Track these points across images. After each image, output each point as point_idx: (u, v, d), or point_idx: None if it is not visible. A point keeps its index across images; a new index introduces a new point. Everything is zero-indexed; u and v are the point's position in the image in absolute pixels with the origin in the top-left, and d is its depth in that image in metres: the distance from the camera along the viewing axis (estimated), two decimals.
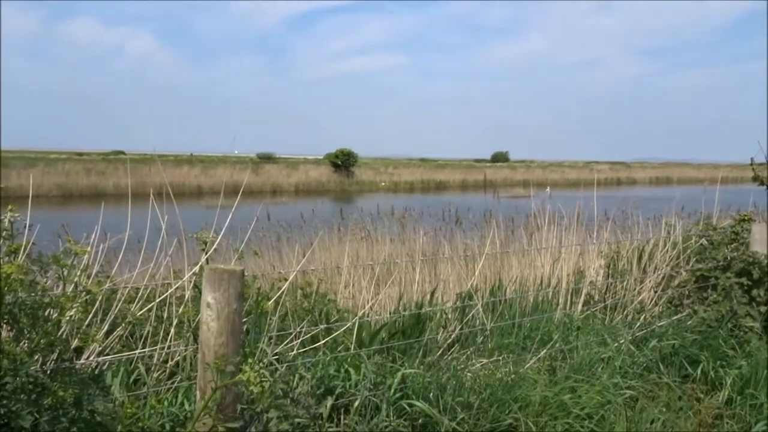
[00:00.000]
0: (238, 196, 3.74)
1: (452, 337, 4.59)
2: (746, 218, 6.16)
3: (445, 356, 4.13)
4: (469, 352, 4.23)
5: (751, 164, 6.09)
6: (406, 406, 2.91)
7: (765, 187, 6.22)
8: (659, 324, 4.38)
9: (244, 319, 3.51)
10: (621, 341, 4.20)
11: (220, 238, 3.49)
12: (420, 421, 2.91)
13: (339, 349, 3.59)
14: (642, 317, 5.08)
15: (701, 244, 5.51)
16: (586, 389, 3.36)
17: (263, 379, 1.76)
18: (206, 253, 3.29)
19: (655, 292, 5.59)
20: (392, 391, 2.83)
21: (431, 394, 2.97)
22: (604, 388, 3.45)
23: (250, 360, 1.93)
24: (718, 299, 4.59)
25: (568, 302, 5.46)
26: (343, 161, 46.68)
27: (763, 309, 4.45)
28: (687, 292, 4.98)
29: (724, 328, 4.13)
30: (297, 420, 2.36)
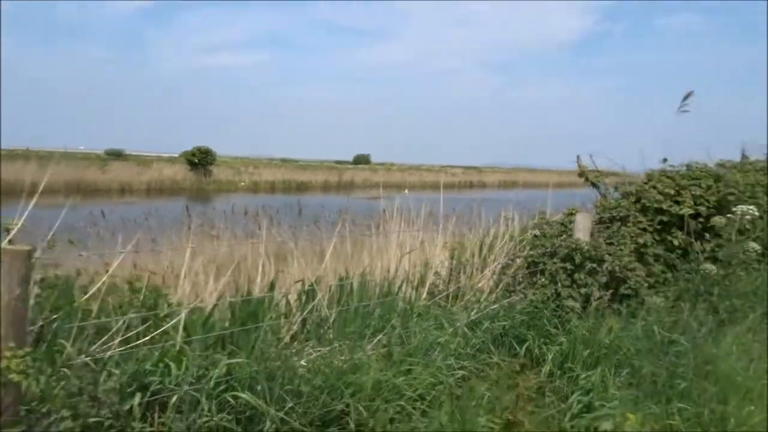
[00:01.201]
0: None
1: (295, 328, 4.46)
2: (573, 212, 6.63)
3: (289, 347, 3.98)
4: (312, 343, 4.12)
5: (577, 161, 6.60)
6: (231, 399, 2.72)
7: (590, 183, 6.77)
8: (492, 308, 4.56)
9: (55, 315, 3.12)
10: (457, 325, 4.32)
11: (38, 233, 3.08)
12: (247, 413, 2.74)
13: (168, 343, 3.31)
14: (480, 303, 5.29)
15: (535, 236, 5.86)
16: (419, 372, 3.38)
17: (28, 368, 1.50)
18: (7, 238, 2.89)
19: (494, 280, 5.86)
20: (213, 383, 2.63)
21: (260, 385, 2.80)
22: (437, 370, 3.50)
23: (25, 350, 1.65)
24: (545, 283, 4.88)
25: (413, 292, 5.55)
26: (200, 159, 44.71)
27: (583, 291, 4.79)
28: (520, 279, 5.26)
29: (549, 309, 4.38)
30: (96, 419, 2.09)
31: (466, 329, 4.27)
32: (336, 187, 50.08)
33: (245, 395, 2.70)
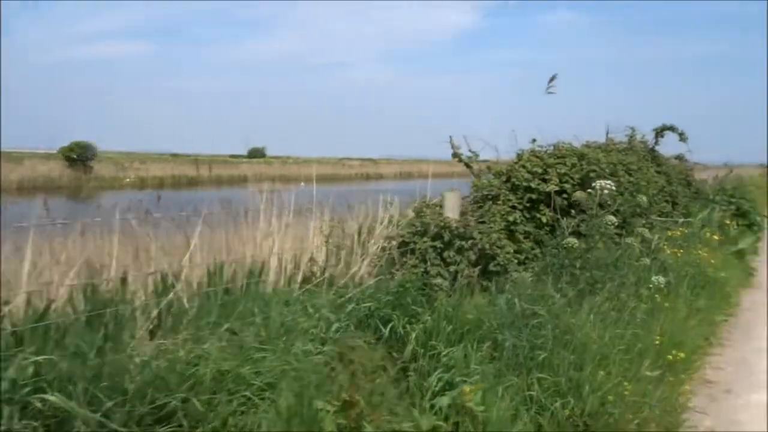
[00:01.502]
0: None
1: (149, 323, 4.08)
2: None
3: (142, 343, 3.61)
4: (168, 337, 3.77)
5: (450, 141, 6.60)
6: (37, 402, 2.35)
7: (463, 164, 6.80)
8: (357, 290, 4.41)
9: None
10: (323, 310, 4.13)
11: None
12: (58, 418, 2.38)
13: None
14: (355, 287, 5.14)
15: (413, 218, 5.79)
16: (270, 360, 3.15)
17: None
18: None
19: (373, 264, 5.74)
20: (5, 385, 2.26)
21: (73, 385, 2.46)
22: (293, 357, 3.28)
23: None
24: (416, 263, 4.80)
25: (285, 280, 5.31)
26: (79, 155, 41.69)
27: (452, 269, 4.76)
28: (393, 259, 5.16)
29: (416, 288, 4.29)
30: None
31: (330, 314, 4.08)
32: (229, 182, 48.52)
33: (53, 397, 2.35)
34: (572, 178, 6.19)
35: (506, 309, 4.07)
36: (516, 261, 5.62)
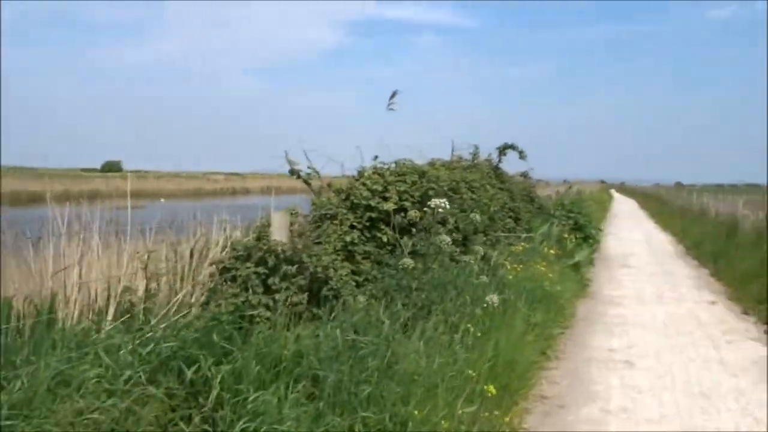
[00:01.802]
0: None
1: None
2: (293, 212, 6.19)
3: None
4: None
5: (286, 157, 6.18)
6: None
7: (303, 181, 6.39)
8: (162, 326, 3.82)
9: None
10: (121, 352, 3.50)
11: None
12: None
13: None
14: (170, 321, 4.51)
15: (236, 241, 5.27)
16: (22, 427, 2.50)
17: None
18: None
19: (203, 292, 5.13)
20: None
21: None
22: (54, 422, 2.65)
23: None
24: (237, 291, 4.30)
25: (94, 314, 4.55)
26: None
27: (278, 296, 4.31)
28: (213, 287, 4.61)
29: (230, 321, 3.79)
30: None
31: (129, 356, 3.47)
32: (77, 197, 44.48)
33: None
34: (412, 196, 6.01)
35: (330, 339, 3.69)
36: (354, 283, 5.30)
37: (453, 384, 3.76)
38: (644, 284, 11.20)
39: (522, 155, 10.11)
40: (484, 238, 7.34)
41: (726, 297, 10.14)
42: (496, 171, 10.20)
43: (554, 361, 6.28)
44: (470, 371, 3.98)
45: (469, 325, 4.55)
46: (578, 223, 12.65)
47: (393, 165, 6.57)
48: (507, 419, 4.20)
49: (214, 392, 3.17)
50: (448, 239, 5.06)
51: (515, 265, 7.45)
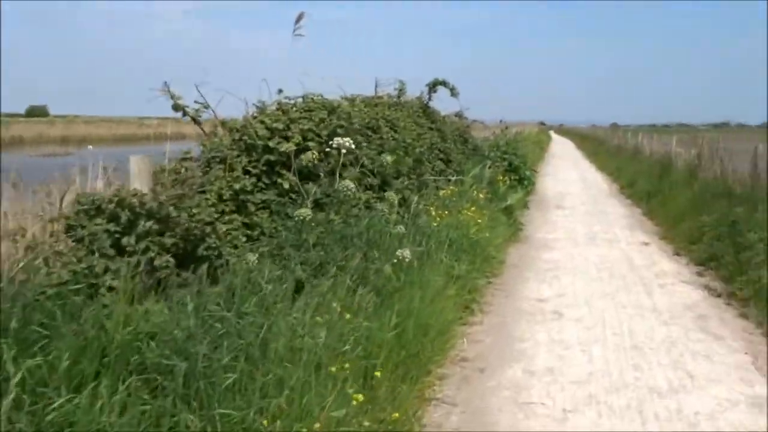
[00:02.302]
0: None
1: None
2: (187, 156, 5.27)
3: None
4: None
5: (166, 89, 5.18)
6: None
7: (190, 118, 5.44)
8: None
9: None
10: None
11: None
12: None
13: None
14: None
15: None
16: None
17: None
18: None
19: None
20: None
21: None
22: None
23: None
24: (80, 255, 3.41)
25: None
26: None
27: (134, 259, 3.45)
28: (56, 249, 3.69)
29: (55, 295, 2.92)
30: None
31: None
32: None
33: None
34: (318, 135, 5.16)
35: (186, 315, 2.90)
36: (245, 239, 4.49)
37: (342, 364, 3.04)
38: (578, 225, 10.82)
39: (453, 92, 9.32)
40: (408, 182, 6.60)
41: (659, 237, 9.85)
42: (426, 109, 9.39)
43: (479, 315, 5.70)
44: (363, 346, 3.27)
45: (367, 289, 3.83)
46: (513, 165, 12.09)
47: (300, 100, 5.67)
48: (412, 394, 3.55)
49: (10, 397, 2.34)
50: (350, 185, 4.27)
51: (441, 212, 6.77)
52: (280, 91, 5.62)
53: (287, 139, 5.08)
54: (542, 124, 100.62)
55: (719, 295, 6.48)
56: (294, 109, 5.44)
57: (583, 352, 4.87)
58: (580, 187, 17.20)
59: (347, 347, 3.30)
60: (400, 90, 7.97)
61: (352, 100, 7.08)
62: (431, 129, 9.34)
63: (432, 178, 8.20)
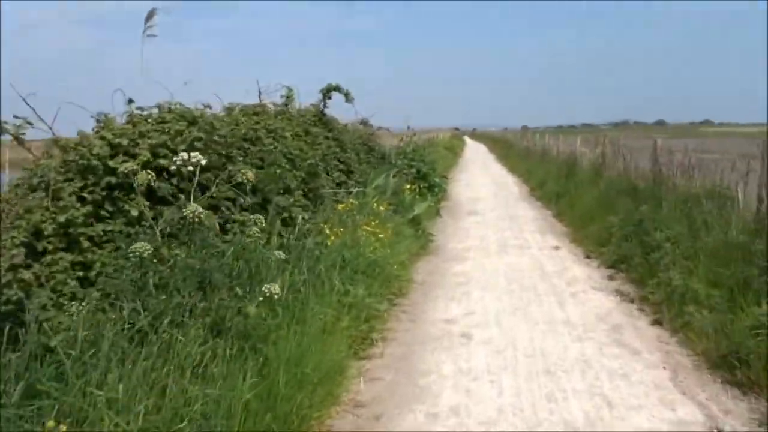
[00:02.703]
0: None
1: None
2: None
3: None
4: None
5: None
6: None
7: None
8: None
9: None
10: None
11: None
12: None
13: None
14: None
15: None
16: None
17: None
18: None
19: None
20: None
21: None
22: None
23: None
24: None
25: None
26: None
27: None
28: None
29: None
30: None
31: None
32: None
33: None
34: (173, 151, 4.32)
35: None
36: (77, 283, 3.59)
37: None
38: (490, 231, 10.44)
39: (348, 97, 8.67)
40: (296, 199, 5.86)
41: (569, 240, 9.60)
42: (322, 117, 8.68)
43: (380, 345, 5.03)
44: (206, 422, 2.49)
45: (224, 338, 3.05)
46: (421, 172, 11.60)
47: (156, 111, 4.81)
48: None
49: None
50: (198, 209, 3.47)
51: (337, 229, 6.06)
52: (131, 101, 4.74)
53: (135, 156, 4.21)
54: (456, 129, 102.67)
55: (632, 300, 6.14)
56: (147, 121, 4.57)
57: (492, 383, 4.28)
58: (492, 191, 17.04)
59: (184, 425, 2.50)
60: (288, 97, 7.21)
61: (230, 110, 6.26)
62: (327, 138, 8.64)
63: (330, 191, 7.49)
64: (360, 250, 5.69)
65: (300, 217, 5.31)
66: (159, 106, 4.73)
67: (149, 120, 4.59)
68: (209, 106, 4.97)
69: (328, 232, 5.93)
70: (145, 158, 4.14)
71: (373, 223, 6.94)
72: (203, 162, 3.53)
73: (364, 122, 12.14)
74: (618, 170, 12.16)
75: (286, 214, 5.45)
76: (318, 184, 7.00)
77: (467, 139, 68.04)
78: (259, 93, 7.09)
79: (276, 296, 3.51)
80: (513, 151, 33.21)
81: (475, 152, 43.43)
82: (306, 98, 8.97)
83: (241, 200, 4.94)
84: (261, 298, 3.48)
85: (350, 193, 7.92)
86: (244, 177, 3.67)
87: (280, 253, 4.39)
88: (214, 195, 4.66)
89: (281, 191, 5.77)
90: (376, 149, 11.44)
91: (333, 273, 5.02)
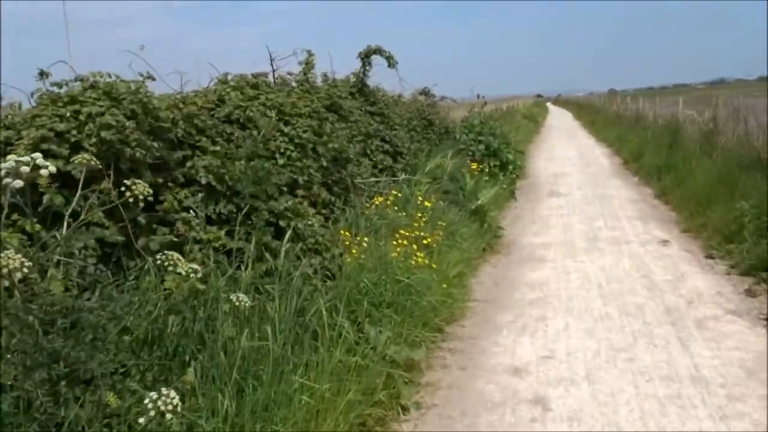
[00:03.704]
0: None
1: None
2: None
3: None
4: None
5: None
6: None
7: None
8: None
9: None
10: None
11: None
12: None
13: None
14: None
15: None
16: None
17: None
18: None
19: None
20: None
21: None
22: None
23: None
24: None
25: None
26: None
27: None
28: None
29: None
30: None
31: None
32: None
33: None
34: (74, 144, 2.78)
35: None
36: None
37: None
38: (576, 219, 8.41)
39: (391, 62, 6.86)
40: (299, 197, 4.25)
41: (680, 230, 7.44)
42: (362, 88, 6.97)
43: (411, 413, 3.36)
44: None
45: None
46: (491, 148, 9.64)
47: (78, 86, 3.30)
48: None
49: None
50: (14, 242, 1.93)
51: (362, 237, 4.40)
52: (43, 73, 3.24)
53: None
54: (538, 96, 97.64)
55: None
56: (57, 102, 3.06)
57: None
58: (578, 165, 14.69)
59: None
60: (307, 63, 5.52)
61: (224, 82, 4.68)
62: (371, 114, 6.93)
63: (368, 180, 5.82)
64: (389, 269, 3.99)
65: (299, 226, 3.69)
66: (81, 79, 3.20)
67: (63, 99, 3.08)
68: (151, 77, 3.39)
69: (347, 242, 4.28)
70: (19, 155, 2.62)
71: (418, 222, 5.21)
72: (51, 169, 1.97)
73: (425, 92, 10.33)
74: (736, 137, 9.69)
75: (284, 223, 3.83)
76: (347, 173, 5.34)
77: (550, 106, 63.86)
78: (271, 60, 5.46)
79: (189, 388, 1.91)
80: (600, 117, 29.96)
81: (559, 119, 40.09)
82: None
83: (216, 206, 3.37)
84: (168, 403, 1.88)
85: (395, 182, 6.21)
86: (138, 193, 2.07)
87: (243, 297, 2.79)
88: (163, 208, 3.12)
89: (290, 187, 4.17)
90: (437, 123, 9.61)
91: (341, 311, 3.37)
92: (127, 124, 2.86)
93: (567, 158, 16.21)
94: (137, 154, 2.83)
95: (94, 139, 2.80)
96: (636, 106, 21.78)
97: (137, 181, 2.08)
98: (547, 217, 8.68)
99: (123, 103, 2.99)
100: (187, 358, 2.58)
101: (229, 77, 4.71)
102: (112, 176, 2.78)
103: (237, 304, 2.79)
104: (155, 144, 3.08)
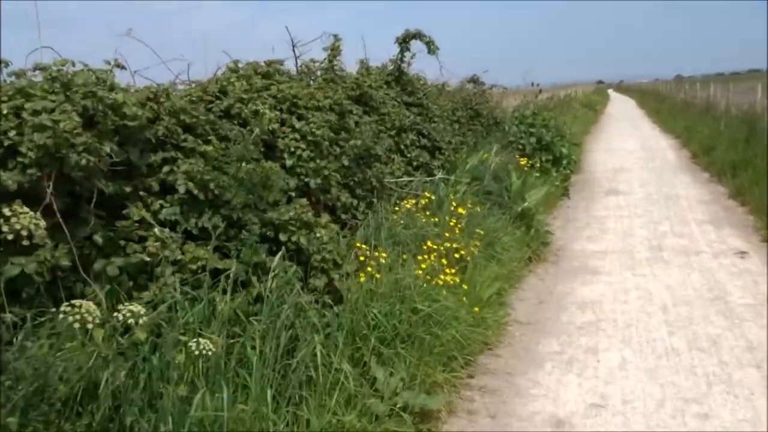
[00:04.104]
0: None
1: None
2: None
3: None
4: None
5: None
6: None
7: None
8: None
9: None
10: None
11: None
12: None
13: None
14: None
15: None
16: None
17: None
18: None
19: None
20: None
21: None
22: None
23: None
24: None
25: None
26: None
27: None
28: None
29: None
30: None
31: None
32: None
33: None
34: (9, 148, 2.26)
35: None
36: None
37: None
38: (637, 222, 7.48)
39: (431, 47, 6.12)
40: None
41: (760, 238, 6.43)
42: (400, 77, 6.28)
43: None
44: None
45: None
46: (543, 141, 8.76)
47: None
48: None
49: None
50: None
51: (379, 253, 3.75)
52: (3, 62, 2.74)
53: None
54: (600, 82, 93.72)
55: None
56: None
57: None
58: (641, 159, 13.48)
59: None
60: (332, 50, 4.87)
61: (234, 71, 4.11)
62: (408, 105, 6.24)
63: (398, 179, 5.16)
64: (406, 294, 3.33)
65: (301, 240, 3.09)
66: (43, 68, 2.68)
67: (8, 92, 2.56)
68: (121, 66, 2.84)
69: (363, 257, 3.65)
70: None
71: (451, 232, 4.51)
72: None
73: (474, 80, 9.52)
74: None
75: (284, 237, 3.24)
76: (372, 173, 4.70)
77: (611, 93, 60.92)
78: (293, 45, 4.85)
79: None
80: (666, 105, 28.02)
81: (620, 108, 37.94)
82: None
83: (199, 219, 2.81)
84: None
85: (429, 181, 5.52)
86: (22, 227, 1.50)
87: (205, 343, 2.21)
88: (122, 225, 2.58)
89: (288, 197, 3.57)
90: (485, 114, 8.80)
91: (340, 349, 2.75)
92: (76, 122, 2.31)
93: (628, 151, 14.96)
94: (83, 161, 2.28)
95: (29, 143, 2.26)
96: (706, 94, 20.09)
97: (21, 210, 1.50)
98: (604, 219, 7.77)
99: (74, 97, 2.44)
100: (129, 422, 2.02)
101: (240, 65, 4.13)
102: (51, 187, 2.23)
103: (197, 352, 2.21)
104: (117, 148, 2.53)
